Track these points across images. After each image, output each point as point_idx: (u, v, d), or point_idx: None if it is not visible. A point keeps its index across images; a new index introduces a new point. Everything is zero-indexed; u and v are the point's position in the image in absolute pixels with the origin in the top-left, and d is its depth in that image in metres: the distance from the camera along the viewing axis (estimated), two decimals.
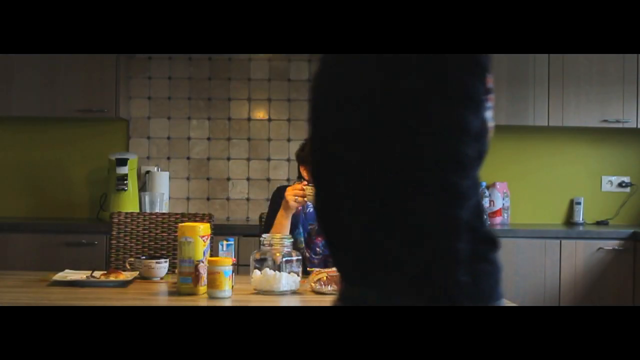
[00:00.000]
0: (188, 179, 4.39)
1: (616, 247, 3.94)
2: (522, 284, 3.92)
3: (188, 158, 4.39)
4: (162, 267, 2.64)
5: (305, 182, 2.78)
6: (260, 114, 4.41)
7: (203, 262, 2.34)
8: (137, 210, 4.04)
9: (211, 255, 2.42)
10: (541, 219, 4.48)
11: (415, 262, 1.26)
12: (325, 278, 2.38)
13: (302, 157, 2.88)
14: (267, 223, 2.89)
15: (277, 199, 2.83)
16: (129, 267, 2.76)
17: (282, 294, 2.34)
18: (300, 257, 2.44)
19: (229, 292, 2.28)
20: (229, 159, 4.39)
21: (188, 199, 4.38)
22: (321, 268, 2.73)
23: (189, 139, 4.38)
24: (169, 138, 4.38)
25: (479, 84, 1.31)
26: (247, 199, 4.40)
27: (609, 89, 4.16)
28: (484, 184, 4.29)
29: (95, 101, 4.03)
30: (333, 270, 2.41)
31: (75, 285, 2.49)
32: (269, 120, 4.40)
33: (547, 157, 4.49)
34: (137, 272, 2.64)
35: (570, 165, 4.49)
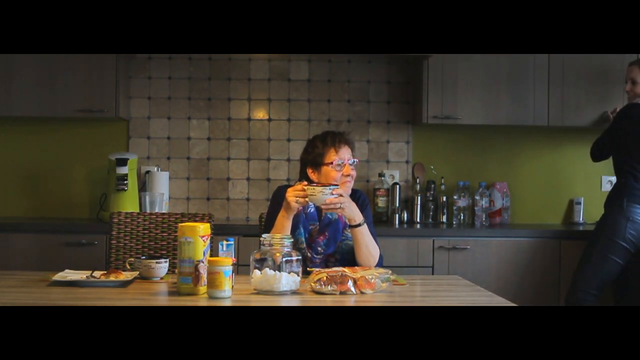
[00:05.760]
0: (188, 179, 4.39)
1: None
2: (522, 284, 3.92)
3: (188, 158, 4.38)
4: (162, 267, 2.64)
5: (306, 183, 2.77)
6: (260, 114, 4.41)
7: (203, 262, 2.34)
8: (137, 210, 4.04)
9: (211, 255, 2.42)
10: (541, 219, 4.48)
11: None
12: (325, 278, 2.37)
13: (310, 160, 2.88)
14: (267, 223, 2.89)
15: (278, 199, 2.82)
16: (129, 267, 2.76)
17: (282, 294, 2.34)
18: (300, 257, 2.44)
19: (229, 292, 2.28)
20: (229, 159, 4.40)
21: (188, 199, 4.38)
22: (322, 267, 2.73)
23: (188, 139, 4.38)
24: (168, 138, 4.38)
25: None
26: (247, 199, 4.40)
27: (609, 88, 4.16)
28: (483, 183, 4.29)
29: (95, 101, 4.03)
30: (333, 270, 2.41)
31: (75, 285, 2.48)
32: (269, 120, 4.40)
33: (547, 157, 4.49)
34: (137, 272, 2.64)
35: (570, 165, 4.49)
